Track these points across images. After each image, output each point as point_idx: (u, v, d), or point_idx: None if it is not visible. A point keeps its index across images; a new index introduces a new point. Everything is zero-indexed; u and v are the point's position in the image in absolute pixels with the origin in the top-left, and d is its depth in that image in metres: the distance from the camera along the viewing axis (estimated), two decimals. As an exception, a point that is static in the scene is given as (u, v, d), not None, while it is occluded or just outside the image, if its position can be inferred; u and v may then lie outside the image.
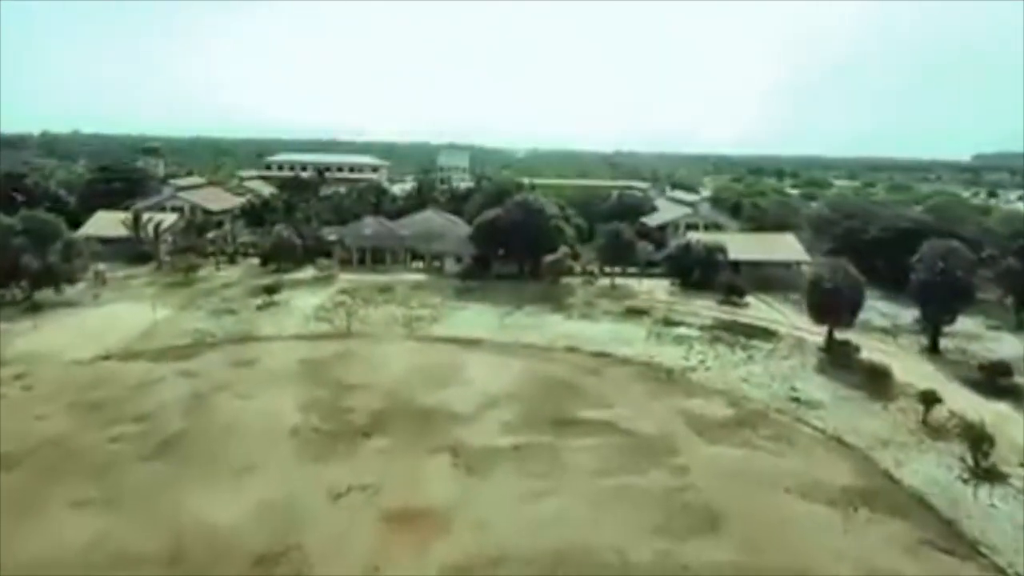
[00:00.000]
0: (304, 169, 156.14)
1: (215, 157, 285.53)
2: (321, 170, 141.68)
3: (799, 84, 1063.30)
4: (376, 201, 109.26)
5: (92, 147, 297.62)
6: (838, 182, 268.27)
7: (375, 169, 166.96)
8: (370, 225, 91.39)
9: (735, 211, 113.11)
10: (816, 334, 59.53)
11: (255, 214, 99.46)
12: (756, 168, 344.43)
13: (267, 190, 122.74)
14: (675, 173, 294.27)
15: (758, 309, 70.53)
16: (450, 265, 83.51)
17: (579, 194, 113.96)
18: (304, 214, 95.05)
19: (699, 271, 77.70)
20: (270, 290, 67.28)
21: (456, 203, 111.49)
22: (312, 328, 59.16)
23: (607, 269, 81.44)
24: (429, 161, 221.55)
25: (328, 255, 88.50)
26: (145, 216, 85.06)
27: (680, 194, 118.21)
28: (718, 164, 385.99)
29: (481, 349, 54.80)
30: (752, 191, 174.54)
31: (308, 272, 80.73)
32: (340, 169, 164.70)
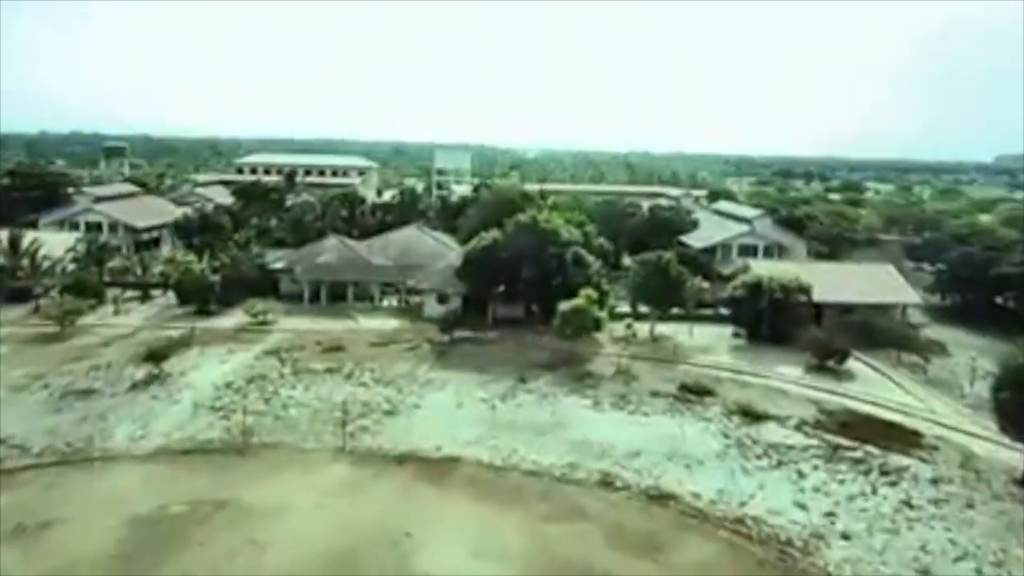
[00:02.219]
0: (280, 172, 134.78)
1: (209, 158, 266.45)
2: (291, 174, 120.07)
3: (818, 84, 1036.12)
4: (348, 214, 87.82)
5: (84, 148, 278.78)
6: (870, 185, 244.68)
7: (362, 172, 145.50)
8: (330, 249, 69.89)
9: (791, 225, 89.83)
10: (986, 438, 38.04)
11: (190, 232, 78.24)
12: (783, 170, 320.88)
13: (222, 198, 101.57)
14: (696, 175, 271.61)
15: (869, 382, 48.60)
16: (432, 305, 61.98)
17: (600, 205, 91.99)
18: (246, 234, 73.74)
19: (773, 319, 55.85)
20: (157, 356, 45.85)
21: (449, 217, 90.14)
22: (194, 431, 37.62)
23: (640, 306, 59.90)
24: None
25: (276, 289, 67.42)
26: (28, 237, 63.93)
27: (725, 205, 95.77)
28: (739, 165, 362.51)
29: (454, 483, 33.05)
30: (793, 198, 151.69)
31: (238, 317, 59.30)
32: (323, 172, 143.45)
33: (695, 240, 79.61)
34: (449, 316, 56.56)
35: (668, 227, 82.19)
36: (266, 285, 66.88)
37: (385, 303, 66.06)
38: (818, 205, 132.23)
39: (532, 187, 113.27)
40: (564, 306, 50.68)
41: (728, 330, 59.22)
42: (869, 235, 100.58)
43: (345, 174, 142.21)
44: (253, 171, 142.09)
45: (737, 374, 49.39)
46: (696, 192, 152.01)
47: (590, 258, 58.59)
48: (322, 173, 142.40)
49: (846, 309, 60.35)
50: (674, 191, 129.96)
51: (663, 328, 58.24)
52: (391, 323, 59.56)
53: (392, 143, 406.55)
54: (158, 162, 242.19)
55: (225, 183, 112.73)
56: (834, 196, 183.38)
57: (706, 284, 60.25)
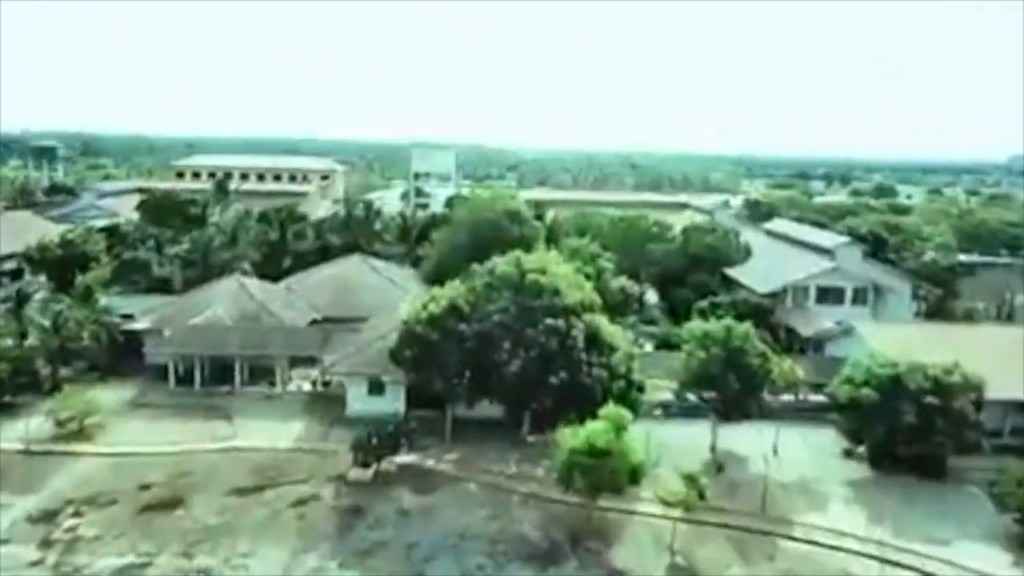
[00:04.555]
0: (229, 176, 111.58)
1: (181, 158, 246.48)
2: (222, 180, 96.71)
3: (827, 83, 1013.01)
4: (278, 239, 64.74)
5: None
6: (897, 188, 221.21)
7: (325, 176, 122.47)
8: (221, 298, 47.10)
9: (873, 252, 65.52)
10: None
11: (46, 267, 55.64)
12: (800, 172, 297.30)
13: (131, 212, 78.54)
14: (708, 177, 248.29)
15: None
16: (360, 396, 39.11)
17: (615, 223, 68.56)
18: (98, 275, 50.89)
19: (919, 434, 33.08)
20: None
21: (412, 241, 67.30)
22: None
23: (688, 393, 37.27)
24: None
25: (142, 360, 44.96)
26: None
27: (784, 226, 69.96)
28: (747, 165, 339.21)
29: None
30: (839, 208, 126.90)
31: (40, 420, 36.36)
32: (278, 177, 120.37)
33: (752, 278, 56.45)
34: (375, 434, 33.12)
35: (711, 258, 59.33)
36: (127, 355, 44.55)
37: (294, 385, 43.26)
38: (867, 216, 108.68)
39: (529, 194, 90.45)
40: (571, 438, 27.69)
41: (826, 436, 36.73)
42: (945, 258, 77.60)
43: (305, 179, 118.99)
44: (196, 175, 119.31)
45: (889, 565, 26.70)
46: (716, 197, 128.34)
47: (612, 330, 35.49)
48: (278, 178, 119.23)
49: (1016, 406, 37.96)
50: (704, 201, 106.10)
51: (726, 434, 35.63)
52: (289, 430, 36.81)
53: (386, 144, 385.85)
54: (126, 163, 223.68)
55: (141, 191, 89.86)
56: (871, 202, 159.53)
57: (800, 372, 37.18)
